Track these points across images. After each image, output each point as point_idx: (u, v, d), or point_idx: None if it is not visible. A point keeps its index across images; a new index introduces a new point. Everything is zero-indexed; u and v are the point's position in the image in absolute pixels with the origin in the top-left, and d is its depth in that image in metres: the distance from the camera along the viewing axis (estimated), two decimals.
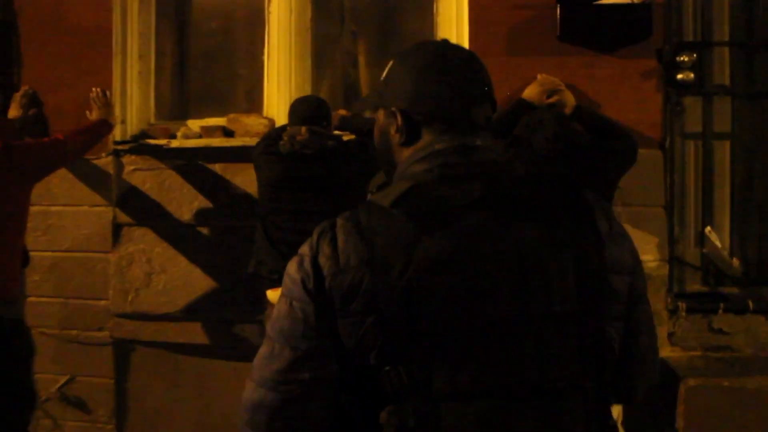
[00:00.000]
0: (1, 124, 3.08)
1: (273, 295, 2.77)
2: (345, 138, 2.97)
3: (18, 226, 2.81)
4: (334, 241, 1.09)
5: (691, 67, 2.96)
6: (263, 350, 1.13)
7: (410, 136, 1.18)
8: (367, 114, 3.01)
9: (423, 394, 1.03)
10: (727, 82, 3.07)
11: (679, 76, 2.96)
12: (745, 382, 2.69)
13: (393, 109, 1.20)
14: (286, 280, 1.13)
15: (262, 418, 1.10)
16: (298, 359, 1.08)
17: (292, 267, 1.13)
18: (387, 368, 1.04)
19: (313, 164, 2.72)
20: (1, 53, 3.60)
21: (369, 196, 1.17)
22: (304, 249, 1.13)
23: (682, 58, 2.95)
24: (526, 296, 1.06)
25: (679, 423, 2.72)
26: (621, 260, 1.17)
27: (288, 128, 2.84)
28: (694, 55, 2.95)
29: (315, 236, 1.14)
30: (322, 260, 1.08)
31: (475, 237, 1.07)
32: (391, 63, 1.26)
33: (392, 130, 1.20)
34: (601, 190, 2.67)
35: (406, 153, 1.19)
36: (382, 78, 1.26)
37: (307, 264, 1.10)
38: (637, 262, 1.24)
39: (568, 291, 1.08)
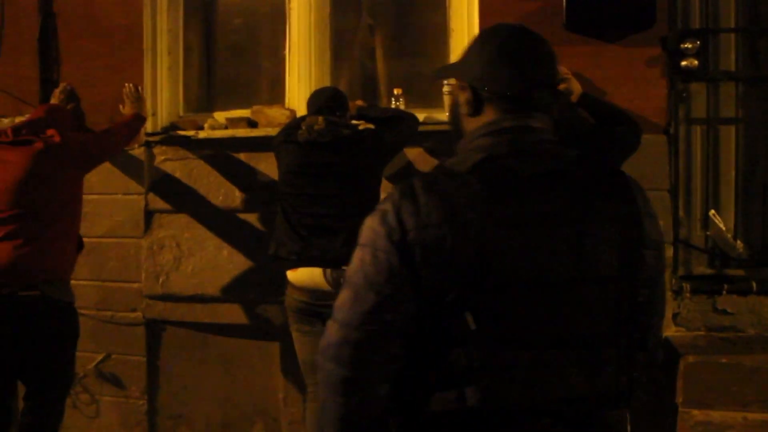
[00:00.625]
0: (60, 116, 3.19)
1: (292, 275, 2.92)
2: (361, 127, 3.10)
3: (74, 213, 2.98)
4: (415, 199, 1.21)
5: (695, 53, 3.03)
6: (346, 294, 1.24)
7: (476, 109, 1.33)
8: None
9: (488, 339, 1.17)
10: (732, 67, 3.14)
11: (684, 63, 3.04)
12: (743, 359, 2.76)
13: (464, 83, 1.35)
14: (367, 232, 1.25)
15: (345, 353, 1.21)
16: (381, 302, 1.20)
17: (373, 222, 1.24)
18: (458, 314, 1.17)
19: (329, 152, 2.86)
20: (42, 52, 3.82)
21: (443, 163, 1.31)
22: (386, 205, 1.25)
23: (686, 45, 3.02)
24: (578, 261, 1.21)
25: (679, 398, 2.81)
26: (652, 237, 1.31)
27: (306, 118, 2.99)
28: (698, 42, 3.01)
29: (397, 194, 1.25)
30: (405, 216, 1.20)
31: (539, 205, 1.22)
32: (472, 40, 1.41)
33: (462, 101, 1.36)
34: None
35: (473, 124, 1.34)
36: (461, 53, 1.42)
37: (391, 218, 1.22)
38: (662, 240, 1.39)
39: (611, 258, 1.23)
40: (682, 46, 3.02)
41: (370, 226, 1.24)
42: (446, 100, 3.33)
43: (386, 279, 1.20)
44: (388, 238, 1.20)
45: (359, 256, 1.24)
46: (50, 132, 2.98)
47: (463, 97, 1.35)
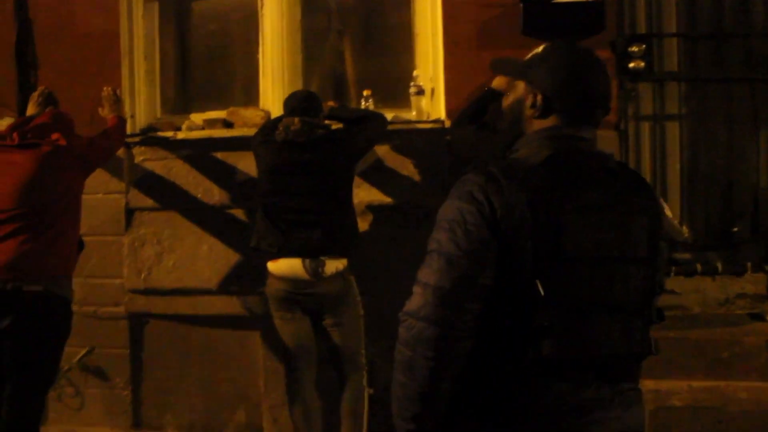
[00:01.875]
0: (64, 121, 3.21)
1: (273, 266, 3.10)
2: (333, 127, 3.29)
3: (76, 213, 3.07)
4: (499, 183, 1.40)
5: (642, 56, 3.30)
6: (439, 263, 1.39)
7: (543, 114, 1.51)
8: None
9: (553, 306, 1.38)
10: (675, 68, 3.42)
11: (631, 65, 3.30)
12: (687, 333, 3.04)
13: (536, 90, 1.51)
14: (453, 213, 1.41)
15: (440, 312, 1.38)
16: (474, 267, 1.38)
17: (459, 202, 1.42)
18: (532, 282, 1.37)
19: (305, 150, 3.05)
20: (19, 57, 3.91)
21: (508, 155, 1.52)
22: (471, 186, 1.42)
23: (633, 49, 3.29)
24: (623, 243, 1.45)
25: None
26: (664, 230, 1.59)
27: (283, 119, 3.16)
28: (644, 45, 3.28)
29: (481, 178, 1.42)
30: (493, 196, 1.39)
31: (596, 195, 1.44)
32: (540, 49, 1.58)
33: (528, 103, 1.52)
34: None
35: (535, 125, 1.51)
36: (528, 57, 1.59)
37: (480, 196, 1.39)
38: (667, 233, 1.78)
39: (643, 243, 1.47)
40: (629, 49, 3.29)
41: (456, 206, 1.41)
42: (413, 101, 3.54)
43: (478, 248, 1.38)
44: (479, 213, 1.38)
45: (447, 231, 1.40)
46: (55, 136, 3.08)
47: (531, 100, 1.52)
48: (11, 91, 3.92)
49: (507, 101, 1.61)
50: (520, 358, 1.40)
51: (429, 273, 1.41)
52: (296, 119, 3.06)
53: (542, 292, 1.37)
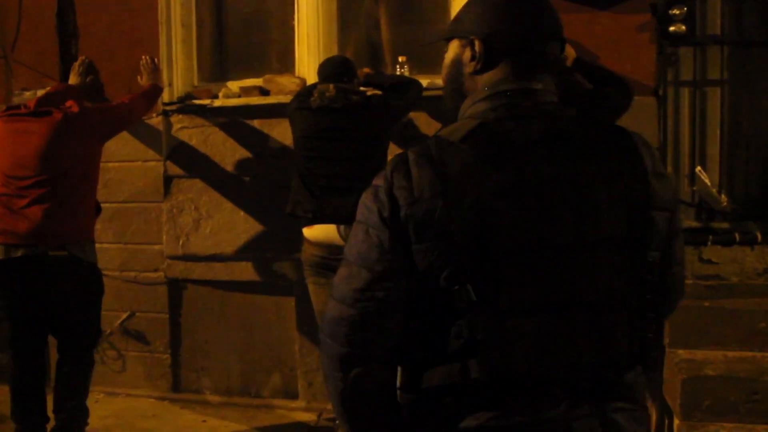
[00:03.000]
0: (74, 89, 3.42)
1: (308, 232, 3.13)
2: (369, 93, 3.29)
3: (94, 178, 3.17)
4: (408, 173, 1.17)
5: (683, 19, 3.21)
6: (343, 271, 1.22)
7: (487, 64, 1.25)
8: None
9: (489, 310, 1.14)
10: (717, 32, 3.32)
11: (672, 29, 3.22)
12: (724, 303, 2.99)
13: (472, 37, 1.26)
14: (361, 208, 1.22)
15: (341, 330, 1.21)
16: (373, 280, 1.18)
17: (367, 198, 1.21)
18: (457, 287, 1.14)
19: (340, 117, 3.06)
20: (60, 27, 3.99)
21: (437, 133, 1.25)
22: (379, 181, 1.20)
23: (674, 11, 3.20)
24: (581, 223, 1.17)
25: (666, 339, 3.05)
26: (662, 197, 1.25)
27: (318, 86, 3.18)
28: (685, 8, 3.18)
29: (389, 169, 1.20)
30: (397, 192, 1.16)
31: (536, 170, 1.17)
32: None
33: (466, 59, 1.27)
34: None
35: (479, 81, 1.26)
36: (456, 13, 1.34)
37: (382, 195, 1.18)
38: (676, 200, 1.35)
39: (617, 219, 1.19)
40: (670, 12, 3.20)
41: (364, 202, 1.22)
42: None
43: (377, 256, 1.18)
44: (378, 215, 1.18)
45: (354, 232, 1.23)
46: (69, 103, 3.16)
47: (468, 53, 1.27)
48: (53, 62, 4.00)
49: (444, 69, 1.35)
50: (448, 382, 1.18)
51: (336, 282, 1.24)
52: (331, 85, 3.07)
53: (473, 297, 1.14)
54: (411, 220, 1.15)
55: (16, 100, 3.94)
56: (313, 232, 3.12)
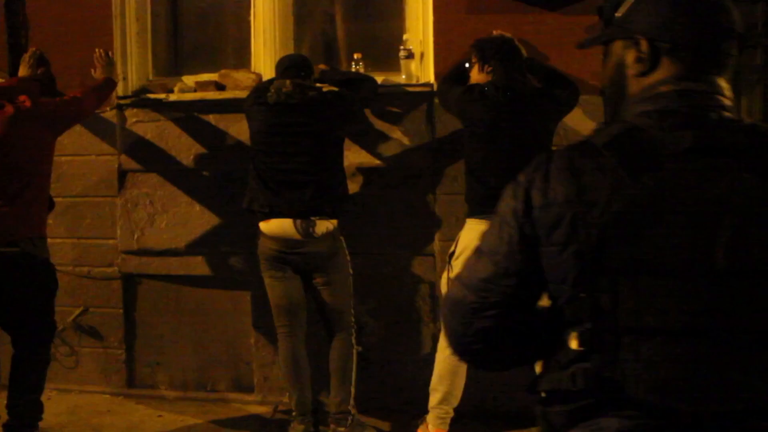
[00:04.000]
0: (28, 85, 3.34)
1: (265, 226, 3.17)
2: (325, 89, 3.33)
3: (46, 174, 3.15)
4: (546, 175, 1.16)
5: None
6: (473, 258, 1.25)
7: (652, 65, 1.19)
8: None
9: (606, 324, 1.10)
10: None
11: None
12: None
13: (637, 36, 1.21)
14: (502, 203, 1.22)
15: (460, 310, 1.23)
16: (497, 274, 1.19)
17: (508, 192, 1.21)
18: (577, 295, 1.12)
19: (297, 112, 3.09)
20: (9, 17, 3.92)
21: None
22: (522, 177, 1.20)
23: (618, 14, 3.32)
24: (729, 253, 1.07)
25: None
26: None
27: (275, 81, 3.21)
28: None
29: (531, 167, 1.20)
30: (534, 191, 1.16)
31: (677, 184, 1.09)
32: None
33: (631, 60, 1.22)
34: (542, 136, 3.09)
35: (642, 83, 1.20)
36: (619, 14, 1.30)
37: (520, 192, 1.18)
38: None
39: None
40: (616, 14, 3.31)
41: (505, 197, 1.22)
42: (403, 64, 3.58)
43: (505, 252, 1.18)
44: (513, 212, 1.18)
45: (492, 223, 1.24)
46: (22, 98, 3.12)
47: (633, 55, 1.21)
48: (2, 53, 3.93)
49: (604, 72, 1.31)
50: (555, 388, 1.18)
51: (466, 264, 1.28)
52: (288, 81, 3.11)
53: (591, 309, 1.11)
54: (542, 222, 1.15)
55: None
56: (269, 226, 3.16)
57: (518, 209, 1.17)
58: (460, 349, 1.28)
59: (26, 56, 3.71)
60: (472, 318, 1.21)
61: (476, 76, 3.15)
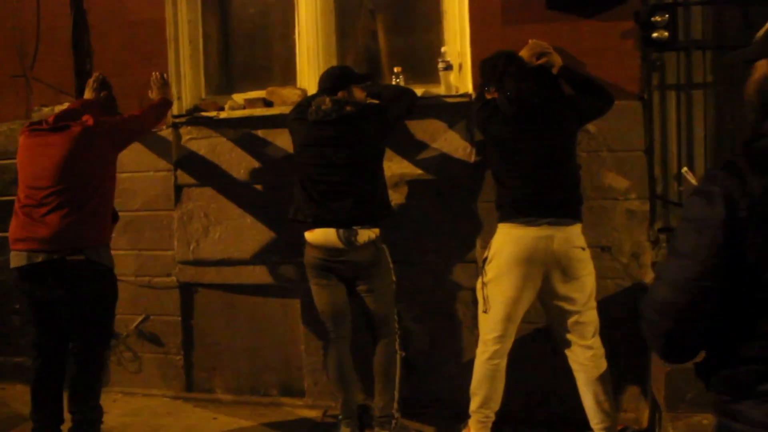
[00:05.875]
0: (90, 104, 3.60)
1: (309, 235, 3.30)
2: (365, 102, 3.42)
3: (110, 187, 3.33)
4: (742, 178, 1.28)
5: (665, 26, 3.34)
6: (675, 262, 1.38)
7: None
8: None
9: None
10: (700, 37, 3.44)
11: (654, 35, 3.33)
12: None
13: None
14: (693, 211, 1.35)
15: (671, 309, 1.36)
16: (704, 272, 1.32)
17: (700, 201, 1.33)
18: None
19: (335, 127, 3.21)
20: (76, 46, 4.20)
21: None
22: (712, 187, 1.32)
23: (656, 19, 3.32)
24: None
25: None
26: None
27: (316, 98, 3.34)
28: (667, 15, 3.31)
29: (723, 175, 1.31)
30: (735, 195, 1.28)
31: None
32: None
33: None
34: (564, 141, 3.11)
35: None
36: (761, 33, 1.42)
37: (718, 198, 1.29)
38: None
39: None
40: (652, 19, 3.32)
41: (696, 205, 1.34)
42: (442, 76, 3.67)
43: (710, 252, 1.30)
44: (715, 217, 1.29)
45: (683, 230, 1.37)
46: (85, 117, 3.36)
47: None
48: (69, 78, 4.22)
49: (748, 87, 1.44)
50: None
51: (665, 267, 1.41)
52: (327, 99, 3.23)
53: None
54: (746, 222, 1.27)
55: (35, 116, 4.15)
56: (313, 235, 3.29)
57: (720, 213, 1.29)
58: (673, 350, 1.40)
59: (90, 81, 3.96)
60: (689, 315, 1.34)
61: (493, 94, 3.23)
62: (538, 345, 3.52)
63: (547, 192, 3.05)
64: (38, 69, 4.26)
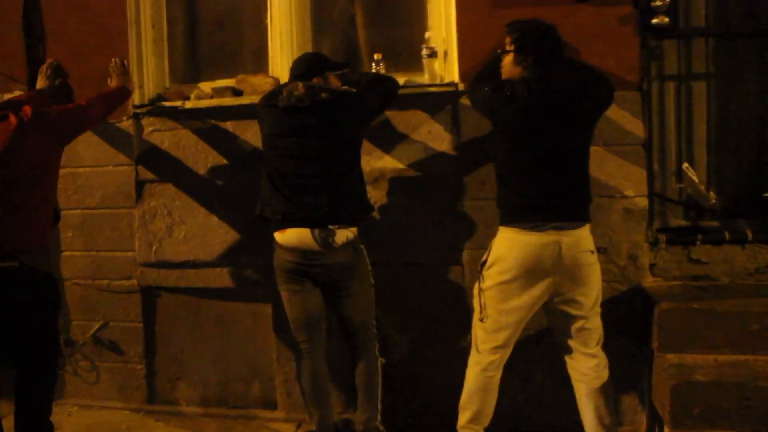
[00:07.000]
0: (32, 95, 3.30)
1: (280, 236, 3.01)
2: (341, 89, 3.15)
3: (49, 184, 3.03)
4: None
5: (666, 11, 3.11)
6: None
7: None
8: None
9: None
10: (702, 23, 3.22)
11: (654, 21, 3.12)
12: (714, 305, 2.87)
13: None
14: None
15: None
16: None
17: None
18: None
19: (308, 115, 2.93)
20: (27, 30, 3.87)
21: None
22: None
23: (656, 3, 3.10)
24: None
25: (654, 343, 2.93)
26: None
27: (288, 84, 3.06)
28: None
29: None
30: None
31: None
32: None
33: None
34: (580, 139, 2.85)
35: None
36: None
37: None
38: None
39: None
40: (652, 4, 3.10)
41: None
42: (426, 64, 3.41)
43: None
44: None
45: None
46: (26, 108, 3.03)
47: None
48: (20, 65, 3.89)
49: None
50: None
51: None
52: (300, 84, 2.96)
53: None
54: None
55: None
56: (285, 236, 3.00)
57: None
58: None
59: (43, 68, 3.63)
60: None
61: (509, 67, 2.87)
62: (528, 352, 3.27)
63: (555, 193, 2.77)
64: None
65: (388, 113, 3.37)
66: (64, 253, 3.87)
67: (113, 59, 3.51)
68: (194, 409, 3.80)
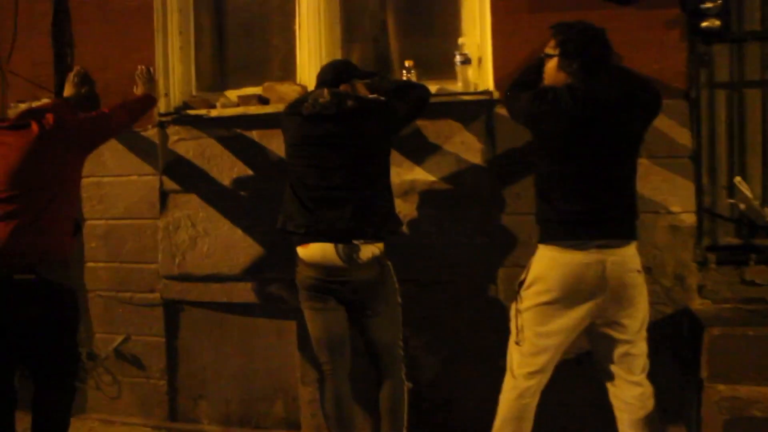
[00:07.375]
0: (57, 103, 3.25)
1: (303, 251, 2.87)
2: (369, 97, 3.01)
3: (70, 194, 2.95)
4: None
5: (717, 13, 2.91)
6: None
7: None
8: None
9: None
10: (757, 27, 3.00)
11: (704, 24, 2.92)
12: None
13: None
14: None
15: None
16: None
17: None
18: None
19: (334, 123, 2.79)
20: (56, 38, 3.84)
21: None
22: None
23: (706, 5, 2.91)
24: None
25: (704, 372, 2.71)
26: None
27: (315, 91, 2.93)
28: (720, 1, 2.89)
29: None
30: None
31: None
32: None
33: None
34: (626, 151, 2.65)
35: None
36: None
37: None
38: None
39: None
40: (702, 6, 2.91)
41: None
42: (459, 71, 3.26)
43: None
44: None
45: None
46: (48, 116, 2.97)
47: None
48: (48, 72, 3.86)
49: None
50: None
51: None
52: (326, 91, 2.83)
53: None
54: None
55: (10, 113, 3.78)
56: (308, 251, 2.86)
57: None
58: None
59: (71, 75, 3.60)
60: None
61: (553, 72, 2.67)
62: (567, 377, 3.07)
63: (600, 209, 2.57)
64: (15, 62, 3.88)
65: (419, 123, 3.22)
66: (88, 264, 3.80)
67: (139, 66, 3.46)
68: (216, 428, 3.68)
